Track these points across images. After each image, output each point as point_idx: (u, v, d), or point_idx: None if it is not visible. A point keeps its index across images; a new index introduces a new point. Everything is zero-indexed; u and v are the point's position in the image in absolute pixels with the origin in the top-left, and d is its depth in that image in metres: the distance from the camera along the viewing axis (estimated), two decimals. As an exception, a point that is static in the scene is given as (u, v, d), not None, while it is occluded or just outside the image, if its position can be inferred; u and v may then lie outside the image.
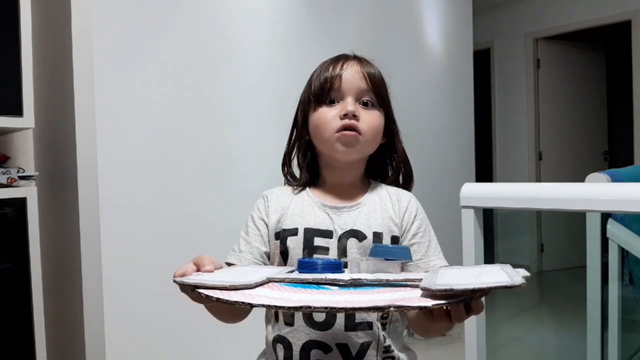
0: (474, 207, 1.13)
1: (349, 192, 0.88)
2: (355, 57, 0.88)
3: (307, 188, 0.90)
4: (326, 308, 0.44)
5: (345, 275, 0.54)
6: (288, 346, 0.79)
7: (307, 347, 0.78)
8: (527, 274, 0.51)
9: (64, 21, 1.42)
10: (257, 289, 0.50)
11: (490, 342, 1.18)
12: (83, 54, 1.42)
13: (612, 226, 1.46)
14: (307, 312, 0.46)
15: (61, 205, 1.48)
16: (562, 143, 4.37)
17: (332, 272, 0.57)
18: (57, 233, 1.50)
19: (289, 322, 0.80)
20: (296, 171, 0.94)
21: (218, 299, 0.48)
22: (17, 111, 1.20)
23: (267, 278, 0.54)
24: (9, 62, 1.20)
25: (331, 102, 0.85)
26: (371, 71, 0.86)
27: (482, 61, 4.43)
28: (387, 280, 0.52)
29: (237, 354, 1.76)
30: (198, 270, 0.63)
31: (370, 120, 0.84)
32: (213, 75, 1.75)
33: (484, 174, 4.23)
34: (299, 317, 0.79)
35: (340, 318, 0.78)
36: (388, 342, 0.80)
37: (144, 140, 1.56)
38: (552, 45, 4.34)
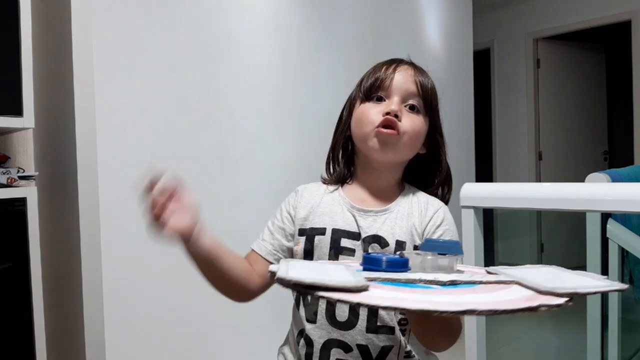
0: (474, 207, 1.13)
1: (380, 195, 0.87)
2: (412, 63, 0.88)
3: (340, 187, 0.89)
4: (490, 311, 0.40)
5: (441, 276, 0.51)
6: (309, 342, 0.79)
7: (327, 345, 0.78)
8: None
9: (64, 21, 1.42)
10: (374, 289, 0.45)
11: (490, 342, 1.18)
12: (83, 54, 1.42)
13: (612, 226, 1.46)
14: (471, 315, 0.43)
15: (61, 205, 1.48)
16: (562, 143, 4.37)
17: (398, 270, 0.54)
18: (57, 233, 1.50)
19: (311, 319, 0.80)
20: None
21: (359, 304, 0.41)
22: (17, 111, 1.20)
23: (365, 278, 0.48)
24: (9, 62, 1.20)
25: (378, 100, 0.85)
26: (423, 79, 0.85)
27: (482, 61, 4.43)
28: (480, 281, 0.51)
29: (238, 354, 1.76)
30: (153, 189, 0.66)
31: (411, 123, 0.82)
32: (213, 75, 1.75)
33: (484, 174, 4.23)
34: (321, 314, 0.80)
35: (363, 319, 0.78)
36: (409, 347, 0.80)
37: (144, 140, 1.56)
38: (552, 45, 4.34)
